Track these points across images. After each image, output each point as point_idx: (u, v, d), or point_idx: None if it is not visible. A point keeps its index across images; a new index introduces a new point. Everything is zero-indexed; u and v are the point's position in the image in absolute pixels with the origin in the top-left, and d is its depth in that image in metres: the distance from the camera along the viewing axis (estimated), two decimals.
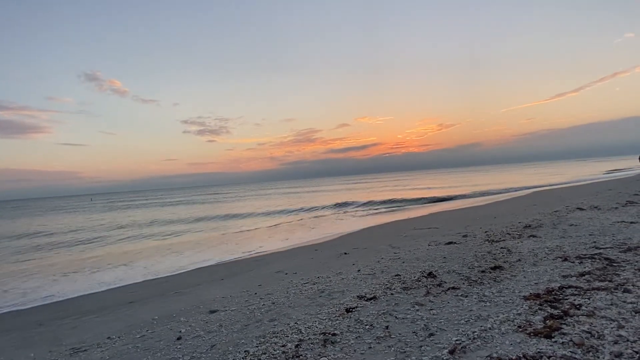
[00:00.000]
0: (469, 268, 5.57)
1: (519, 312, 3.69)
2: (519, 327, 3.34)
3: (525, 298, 4.04)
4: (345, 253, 8.84)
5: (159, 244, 15.80)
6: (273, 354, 3.42)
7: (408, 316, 3.93)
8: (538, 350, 2.89)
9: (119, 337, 4.67)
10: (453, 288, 4.66)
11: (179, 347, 3.98)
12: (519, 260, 5.73)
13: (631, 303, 3.60)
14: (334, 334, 3.69)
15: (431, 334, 3.43)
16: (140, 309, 6.22)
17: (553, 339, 3.04)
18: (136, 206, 51.34)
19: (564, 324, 3.29)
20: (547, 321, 3.37)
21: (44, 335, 5.49)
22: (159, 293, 7.32)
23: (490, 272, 5.20)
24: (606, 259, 5.20)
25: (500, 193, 28.27)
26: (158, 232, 20.45)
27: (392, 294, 4.74)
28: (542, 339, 3.07)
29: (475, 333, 3.32)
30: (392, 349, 3.26)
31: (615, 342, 2.90)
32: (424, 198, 27.56)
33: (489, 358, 2.87)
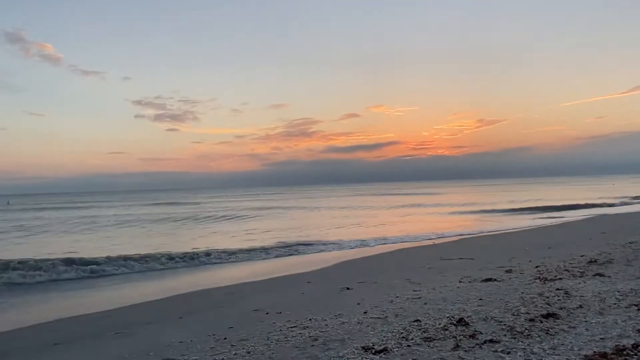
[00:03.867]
0: (513, 315, 5.57)
1: None
2: None
3: (588, 358, 4.04)
4: (348, 288, 8.83)
5: None
6: None
7: None
8: None
9: None
10: (491, 341, 4.66)
11: None
12: (581, 306, 5.74)
13: None
14: None
15: None
16: (67, 354, 6.18)
17: None
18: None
19: None
20: None
21: None
22: (94, 333, 7.28)
23: (542, 322, 5.20)
24: None
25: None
26: None
27: (409, 345, 4.73)
28: None
29: None
30: None
31: None
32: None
33: None
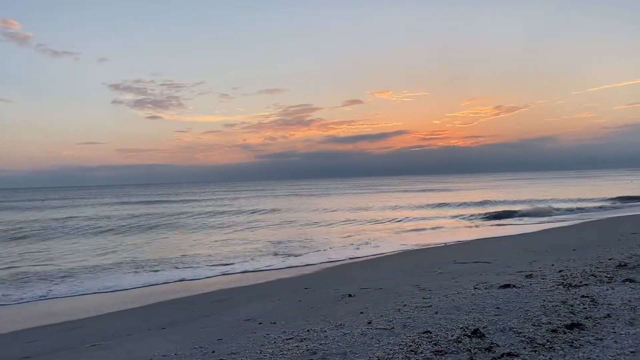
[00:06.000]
0: (534, 325, 5.60)
1: None
2: None
3: None
4: (350, 295, 8.87)
5: None
6: None
7: None
8: None
9: None
10: (509, 354, 4.67)
11: None
12: (608, 316, 5.77)
13: None
14: None
15: None
16: None
17: None
18: None
19: None
20: None
21: None
22: (68, 345, 7.31)
23: (565, 333, 5.22)
24: None
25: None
26: None
27: None
28: None
29: None
30: None
31: None
32: None
33: None
